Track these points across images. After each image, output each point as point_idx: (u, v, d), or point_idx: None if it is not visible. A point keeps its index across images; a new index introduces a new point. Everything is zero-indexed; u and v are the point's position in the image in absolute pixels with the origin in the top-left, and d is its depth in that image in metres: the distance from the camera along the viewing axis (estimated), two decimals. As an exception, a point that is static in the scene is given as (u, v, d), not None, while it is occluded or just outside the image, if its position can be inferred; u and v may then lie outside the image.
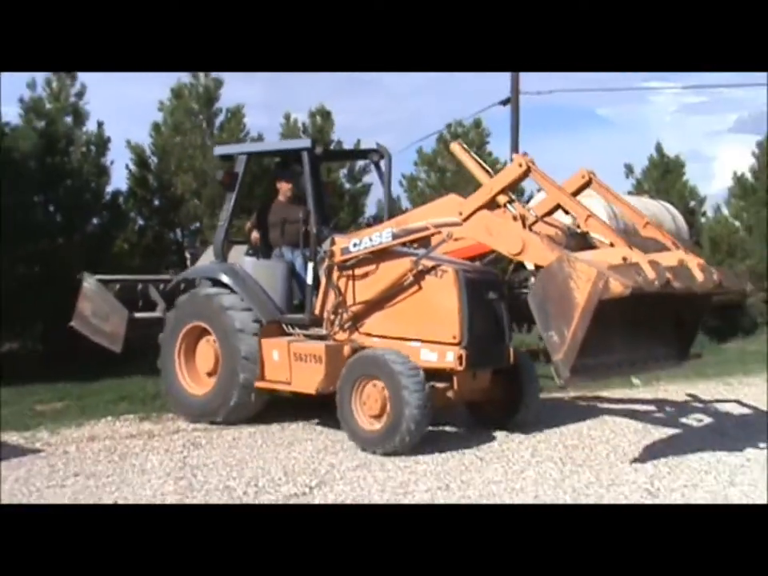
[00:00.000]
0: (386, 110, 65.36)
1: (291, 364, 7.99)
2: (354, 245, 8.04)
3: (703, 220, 19.92)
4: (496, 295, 7.89)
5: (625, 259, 6.66)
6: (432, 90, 64.85)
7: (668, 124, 62.89)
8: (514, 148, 18.30)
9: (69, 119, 12.28)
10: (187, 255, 10.48)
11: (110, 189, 12.76)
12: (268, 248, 9.01)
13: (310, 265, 8.31)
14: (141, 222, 13.68)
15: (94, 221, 12.58)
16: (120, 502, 5.98)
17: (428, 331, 7.58)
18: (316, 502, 6.03)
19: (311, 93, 56.57)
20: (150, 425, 8.59)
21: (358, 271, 8.09)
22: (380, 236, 7.91)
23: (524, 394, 8.20)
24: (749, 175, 19.03)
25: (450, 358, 7.39)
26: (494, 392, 8.08)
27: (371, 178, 15.61)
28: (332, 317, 8.15)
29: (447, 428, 8.35)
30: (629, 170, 20.29)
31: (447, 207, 7.68)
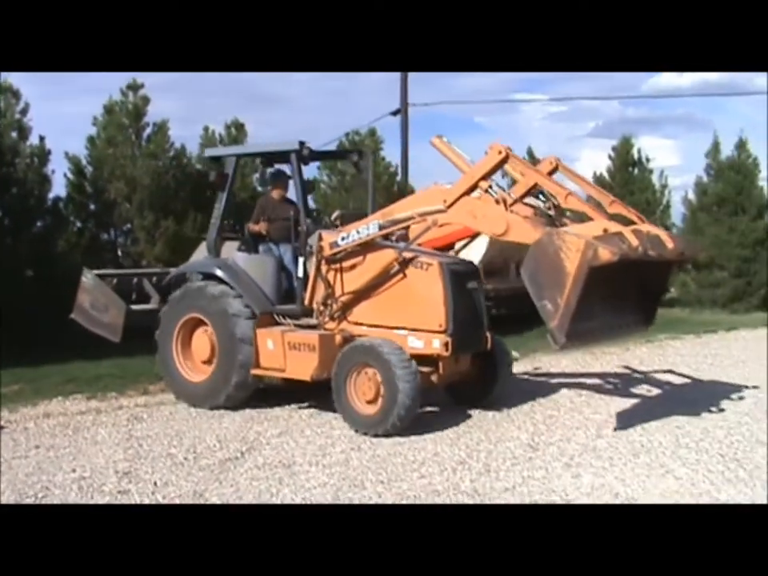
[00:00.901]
0: (286, 121, 66.08)
1: (286, 352, 8.38)
2: (343, 238, 8.42)
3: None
4: (475, 285, 8.40)
5: (605, 230, 7.15)
6: (329, 107, 66.20)
7: (536, 130, 66.73)
8: (404, 153, 20.61)
9: (14, 134, 13.31)
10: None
11: (51, 195, 13.95)
12: (258, 243, 9.40)
13: (301, 259, 8.72)
14: (79, 224, 14.85)
15: (38, 224, 13.67)
16: (77, 469, 6.71)
17: (415, 320, 8.03)
18: (247, 465, 6.83)
19: (222, 106, 58.28)
20: (96, 402, 9.36)
21: (346, 264, 8.49)
22: (367, 228, 8.29)
23: (498, 374, 8.77)
24: (606, 174, 21.80)
25: (437, 344, 7.86)
26: (471, 373, 8.61)
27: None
28: (322, 308, 8.54)
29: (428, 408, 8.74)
30: (504, 172, 21.51)
31: (432, 196, 8.12)
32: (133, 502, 5.98)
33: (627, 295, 7.84)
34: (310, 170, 23.13)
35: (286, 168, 9.60)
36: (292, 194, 9.47)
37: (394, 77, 21.11)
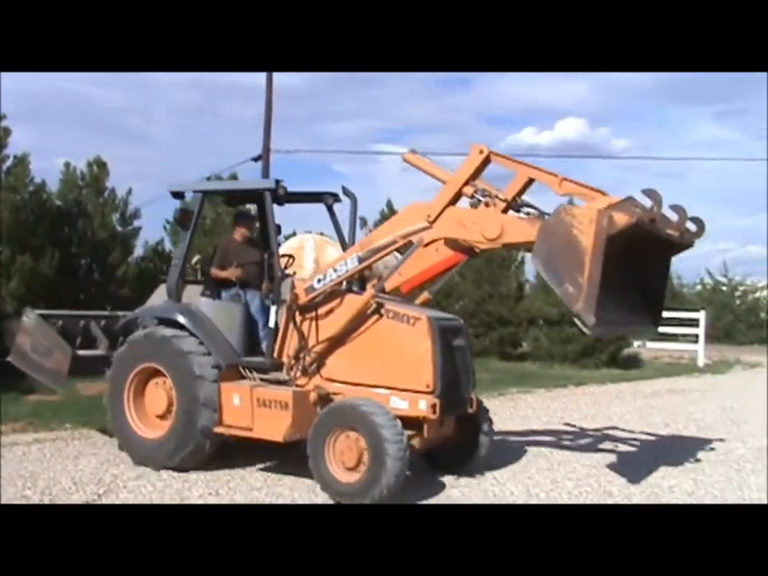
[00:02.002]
0: (149, 160, 64.76)
1: (254, 410, 7.58)
2: (319, 281, 7.78)
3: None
4: (462, 342, 7.83)
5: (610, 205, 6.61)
6: (192, 147, 65.49)
7: (395, 181, 68.12)
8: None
9: None
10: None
11: None
12: (221, 289, 8.61)
13: (273, 308, 7.98)
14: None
15: None
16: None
17: (398, 378, 7.38)
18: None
19: (85, 141, 55.33)
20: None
21: (322, 314, 7.83)
22: (345, 264, 7.69)
23: (481, 439, 8.18)
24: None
25: (423, 406, 7.22)
26: (452, 437, 7.99)
27: (140, 222, 17.66)
28: (293, 362, 7.82)
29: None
30: (363, 221, 22.30)
31: (413, 215, 7.54)
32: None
33: (632, 294, 7.41)
34: (168, 213, 23.02)
35: (249, 208, 9.04)
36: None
37: (258, 122, 21.13)
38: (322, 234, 13.73)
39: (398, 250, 7.70)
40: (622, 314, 7.10)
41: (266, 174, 20.37)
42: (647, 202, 6.68)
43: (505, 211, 7.39)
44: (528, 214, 7.47)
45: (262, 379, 7.87)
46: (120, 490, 7.18)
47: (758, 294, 40.93)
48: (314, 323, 7.85)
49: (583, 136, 73.05)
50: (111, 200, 17.08)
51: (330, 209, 8.99)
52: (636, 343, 22.66)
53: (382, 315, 7.55)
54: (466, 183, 7.35)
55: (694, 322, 23.16)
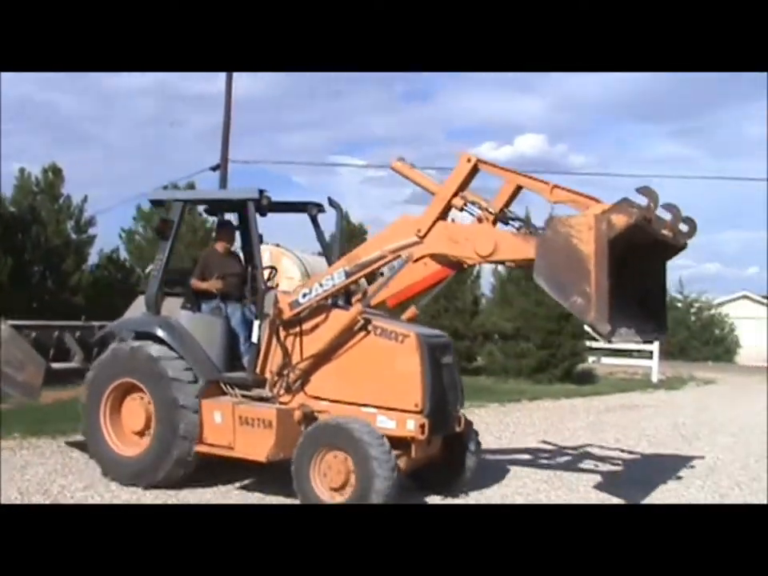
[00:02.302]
0: (106, 168, 63.98)
1: (236, 428, 7.31)
2: (304, 295, 7.51)
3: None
4: (450, 359, 7.63)
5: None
6: (144, 154, 64.62)
7: (354, 194, 68.22)
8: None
9: None
10: None
11: None
12: (201, 301, 8.32)
13: (256, 323, 7.69)
14: None
15: None
16: None
17: (386, 397, 7.17)
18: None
19: (39, 145, 54.19)
20: None
21: (307, 329, 7.58)
22: (332, 278, 7.43)
23: (467, 458, 8.00)
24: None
25: (412, 426, 7.02)
26: (439, 456, 7.80)
27: (95, 230, 17.71)
28: (276, 378, 7.56)
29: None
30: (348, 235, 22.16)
31: (402, 229, 7.28)
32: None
33: (635, 299, 7.16)
34: (125, 221, 23.15)
35: (231, 218, 8.81)
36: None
37: (217, 132, 21.11)
38: (278, 245, 13.52)
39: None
40: (631, 320, 6.93)
41: (223, 183, 20.20)
42: (643, 205, 6.45)
43: (494, 224, 7.20)
44: (519, 228, 7.23)
45: (244, 396, 7.61)
46: (67, 500, 7.02)
47: (712, 311, 41.73)
48: (298, 339, 7.60)
49: (542, 152, 74.74)
50: (66, 207, 16.99)
51: (314, 219, 8.74)
52: (591, 359, 22.81)
53: (369, 332, 7.32)
54: (455, 194, 7.12)
55: (649, 338, 23.34)
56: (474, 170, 7.16)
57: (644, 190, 6.52)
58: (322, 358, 7.46)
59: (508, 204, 7.29)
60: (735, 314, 44.25)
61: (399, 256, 7.21)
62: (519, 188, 7.24)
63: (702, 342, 39.92)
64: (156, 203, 8.92)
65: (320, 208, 8.63)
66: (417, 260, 7.24)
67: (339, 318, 7.41)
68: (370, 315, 7.44)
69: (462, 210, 7.19)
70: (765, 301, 55.83)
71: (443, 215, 7.17)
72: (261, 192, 7.84)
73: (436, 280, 7.48)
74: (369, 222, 36.36)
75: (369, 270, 7.39)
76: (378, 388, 7.23)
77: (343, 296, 8.01)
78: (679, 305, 41.05)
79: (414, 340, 7.18)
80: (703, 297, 42.10)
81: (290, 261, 13.34)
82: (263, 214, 8.16)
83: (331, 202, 8.40)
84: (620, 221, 6.15)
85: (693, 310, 41.44)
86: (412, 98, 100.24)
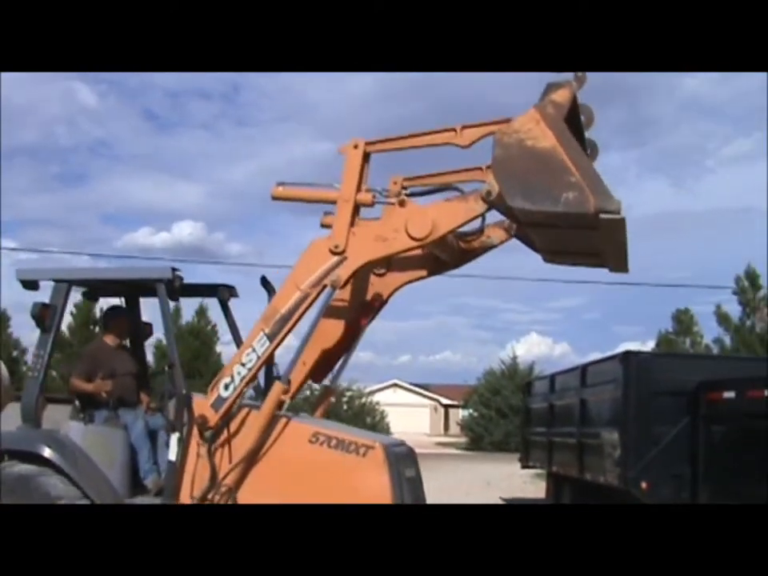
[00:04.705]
0: None
1: None
2: (226, 386, 6.09)
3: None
4: (413, 472, 6.42)
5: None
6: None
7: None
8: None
9: None
10: None
11: None
12: (93, 408, 6.98)
13: (174, 436, 6.32)
14: None
15: None
16: None
17: None
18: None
19: None
20: None
21: (234, 435, 6.20)
22: (253, 351, 6.07)
23: None
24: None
25: None
26: None
27: None
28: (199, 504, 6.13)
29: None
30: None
31: (315, 255, 6.04)
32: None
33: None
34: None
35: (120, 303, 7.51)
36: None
37: None
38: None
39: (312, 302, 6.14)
40: None
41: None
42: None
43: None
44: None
45: None
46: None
47: (363, 399, 41.42)
48: (226, 450, 6.15)
49: (200, 240, 74.81)
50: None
51: (223, 304, 7.48)
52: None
53: (320, 443, 6.07)
54: (359, 189, 6.03)
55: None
56: (367, 155, 6.12)
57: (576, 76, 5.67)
58: (261, 477, 6.11)
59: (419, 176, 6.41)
60: (386, 401, 47.16)
61: (325, 286, 6.00)
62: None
63: (354, 430, 38.78)
64: (29, 285, 6.86)
65: (232, 292, 7.43)
66: (346, 282, 6.11)
67: (284, 438, 6.13)
68: (317, 424, 6.31)
69: (372, 205, 6.09)
70: (414, 388, 61.02)
71: (354, 219, 6.04)
72: (173, 270, 6.55)
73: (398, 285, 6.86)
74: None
75: (294, 321, 6.06)
76: None
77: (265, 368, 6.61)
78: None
79: (380, 453, 5.92)
80: (354, 386, 40.47)
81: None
82: (174, 299, 6.86)
83: (264, 282, 7.11)
84: (563, 96, 5.44)
85: (345, 399, 39.18)
86: (67, 180, 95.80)
